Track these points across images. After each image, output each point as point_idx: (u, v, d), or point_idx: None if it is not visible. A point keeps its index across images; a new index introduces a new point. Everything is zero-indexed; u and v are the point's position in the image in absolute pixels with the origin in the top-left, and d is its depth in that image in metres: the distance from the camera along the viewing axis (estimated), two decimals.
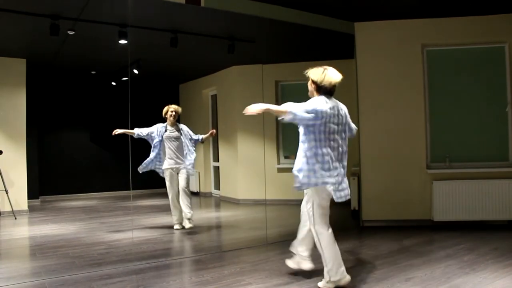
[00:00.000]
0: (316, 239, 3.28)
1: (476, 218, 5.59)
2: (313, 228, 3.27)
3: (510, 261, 4.01)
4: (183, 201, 5.80)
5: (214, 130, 6.11)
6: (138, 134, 5.72)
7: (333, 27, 5.75)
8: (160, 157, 5.82)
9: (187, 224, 5.80)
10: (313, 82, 3.22)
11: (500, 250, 4.43)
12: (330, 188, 3.14)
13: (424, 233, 5.37)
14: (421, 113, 5.82)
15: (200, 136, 6.04)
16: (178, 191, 5.82)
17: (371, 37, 5.88)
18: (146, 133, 5.77)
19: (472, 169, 5.67)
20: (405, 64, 5.83)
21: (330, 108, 3.13)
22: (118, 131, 5.56)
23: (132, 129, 5.60)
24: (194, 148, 5.95)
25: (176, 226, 5.81)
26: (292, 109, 3.06)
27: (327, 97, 3.19)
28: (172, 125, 5.86)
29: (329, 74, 3.18)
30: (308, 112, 3.05)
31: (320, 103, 3.11)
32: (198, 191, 8.01)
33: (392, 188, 5.78)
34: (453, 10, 5.51)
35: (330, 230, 3.28)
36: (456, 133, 5.92)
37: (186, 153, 5.85)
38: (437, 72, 5.95)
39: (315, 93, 3.24)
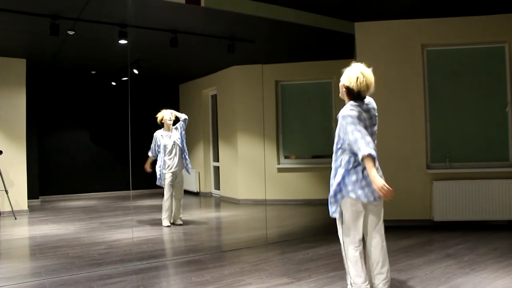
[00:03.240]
0: (343, 251, 3.07)
1: (476, 218, 5.59)
2: (341, 241, 3.06)
3: (510, 261, 4.01)
4: (179, 200, 6.10)
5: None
6: (153, 156, 6.03)
7: (333, 27, 5.75)
8: (164, 161, 5.95)
9: (178, 221, 6.09)
10: (344, 87, 3.01)
11: (500, 250, 4.43)
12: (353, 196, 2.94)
13: (424, 233, 5.38)
14: (421, 113, 5.82)
15: (181, 120, 6.19)
16: (173, 192, 6.04)
17: (371, 37, 5.89)
18: (155, 145, 6.01)
19: (472, 169, 5.67)
20: (405, 64, 5.83)
21: (359, 111, 2.91)
22: (147, 168, 6.01)
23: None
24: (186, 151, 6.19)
25: (168, 223, 5.97)
26: (371, 152, 2.75)
27: (358, 101, 2.97)
28: (169, 130, 6.02)
29: (363, 81, 2.95)
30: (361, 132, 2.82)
31: (351, 110, 2.89)
32: (198, 191, 8.01)
33: (392, 188, 5.76)
34: (453, 10, 5.52)
35: (361, 246, 3.03)
36: (456, 133, 5.91)
37: (184, 155, 6.08)
38: (437, 72, 5.94)
39: (345, 97, 3.04)
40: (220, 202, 7.99)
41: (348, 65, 3.13)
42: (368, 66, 3.10)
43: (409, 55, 5.82)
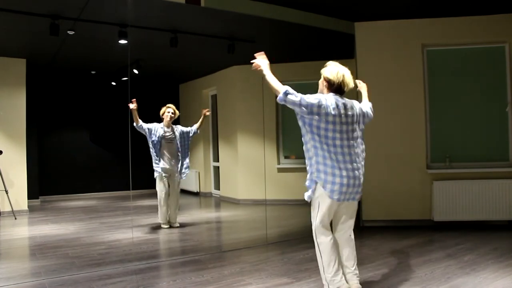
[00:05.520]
0: (315, 245, 3.14)
1: (476, 218, 5.59)
2: (314, 233, 3.12)
3: (510, 261, 4.01)
4: (175, 202, 5.94)
5: (206, 111, 6.03)
6: (140, 126, 5.67)
7: (333, 27, 5.75)
8: (157, 157, 5.82)
9: (175, 224, 5.96)
10: (325, 80, 3.07)
11: (500, 250, 4.43)
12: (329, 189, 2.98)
13: (424, 233, 5.37)
14: (421, 113, 5.82)
15: (193, 128, 6.05)
16: (168, 193, 5.88)
17: (371, 37, 5.88)
18: (146, 128, 5.74)
19: (472, 169, 5.67)
20: (405, 64, 5.83)
21: (339, 106, 2.96)
22: (132, 106, 5.47)
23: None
24: (188, 150, 5.99)
25: (164, 225, 5.87)
26: (288, 90, 2.93)
27: (338, 96, 3.04)
28: (168, 126, 5.88)
29: (345, 75, 3.04)
30: (308, 103, 2.90)
31: (326, 97, 2.98)
32: (198, 191, 8.01)
33: (392, 188, 5.78)
34: (453, 10, 5.52)
35: (331, 236, 3.10)
36: (456, 133, 5.92)
37: (180, 156, 5.92)
38: (437, 72, 5.95)
39: (325, 90, 3.09)
40: (220, 202, 7.99)
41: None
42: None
43: (409, 55, 5.82)
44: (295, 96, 2.93)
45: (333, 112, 2.93)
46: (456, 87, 5.92)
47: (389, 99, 5.82)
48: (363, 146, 3.16)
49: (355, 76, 5.64)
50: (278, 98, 2.99)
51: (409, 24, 5.81)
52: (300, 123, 3.07)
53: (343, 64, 3.16)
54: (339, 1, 5.24)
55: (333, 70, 3.06)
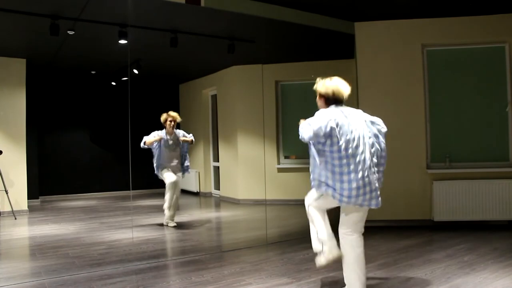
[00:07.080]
0: (308, 214, 3.17)
1: (476, 218, 5.59)
2: (306, 207, 3.17)
3: (510, 261, 4.01)
4: (176, 202, 6.05)
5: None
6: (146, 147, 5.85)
7: (333, 27, 5.75)
8: (160, 162, 5.89)
9: (172, 223, 6.04)
10: (320, 95, 3.05)
11: (500, 250, 4.43)
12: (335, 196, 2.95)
13: (424, 233, 5.38)
14: (421, 113, 5.82)
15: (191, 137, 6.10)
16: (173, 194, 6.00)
17: (371, 37, 5.89)
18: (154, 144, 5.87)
19: (472, 169, 5.67)
20: (405, 64, 5.83)
21: (334, 117, 2.89)
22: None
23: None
24: (187, 153, 6.14)
25: (172, 224, 5.95)
26: (302, 133, 2.94)
27: (338, 106, 2.99)
28: (170, 133, 5.93)
29: (337, 84, 3.02)
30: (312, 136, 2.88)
31: (325, 117, 2.90)
32: (198, 191, 8.01)
33: (392, 188, 5.77)
34: (453, 10, 5.52)
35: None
36: (456, 133, 5.92)
37: (183, 159, 6.06)
38: (437, 72, 5.95)
39: (324, 106, 3.05)
40: (220, 202, 7.99)
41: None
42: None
43: (409, 55, 5.82)
44: (308, 133, 2.91)
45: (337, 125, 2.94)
46: (456, 87, 5.92)
47: (389, 99, 5.82)
48: None
49: (355, 76, 5.68)
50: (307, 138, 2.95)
51: (409, 24, 5.81)
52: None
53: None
54: (339, 1, 5.24)
55: (323, 82, 3.05)
